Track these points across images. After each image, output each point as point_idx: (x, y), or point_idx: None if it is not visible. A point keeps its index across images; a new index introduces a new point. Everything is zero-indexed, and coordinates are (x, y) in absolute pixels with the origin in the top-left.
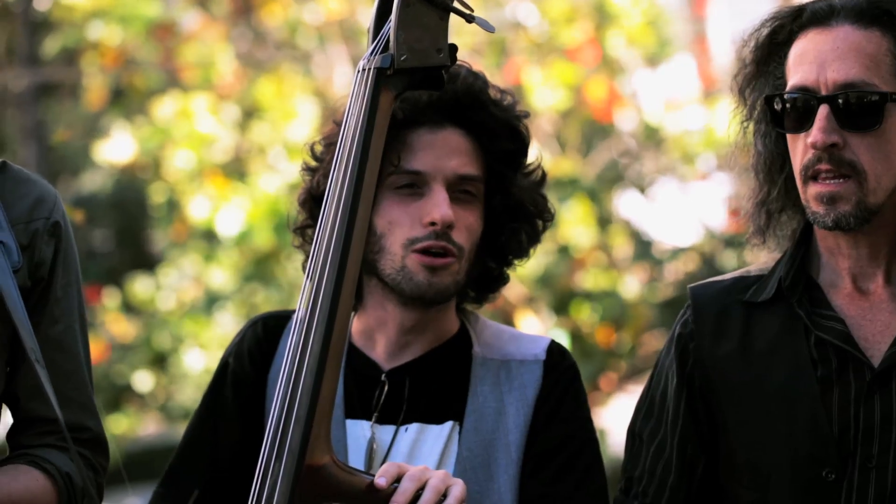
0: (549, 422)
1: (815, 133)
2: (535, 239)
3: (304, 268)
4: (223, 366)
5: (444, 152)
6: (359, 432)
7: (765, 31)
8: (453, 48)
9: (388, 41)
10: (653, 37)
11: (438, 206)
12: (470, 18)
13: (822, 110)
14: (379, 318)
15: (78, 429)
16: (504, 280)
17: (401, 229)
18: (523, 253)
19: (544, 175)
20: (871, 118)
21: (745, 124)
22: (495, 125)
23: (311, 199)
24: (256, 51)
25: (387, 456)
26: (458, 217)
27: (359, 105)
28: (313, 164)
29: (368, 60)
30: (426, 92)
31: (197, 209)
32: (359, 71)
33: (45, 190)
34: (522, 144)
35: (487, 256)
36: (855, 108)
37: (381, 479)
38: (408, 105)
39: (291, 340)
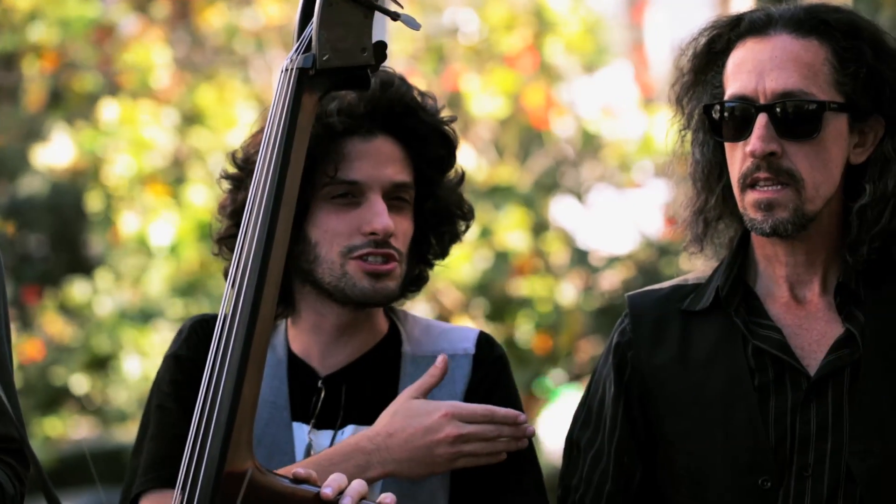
0: None
1: (754, 141)
2: (456, 239)
3: (225, 275)
4: (175, 359)
5: (378, 161)
6: (298, 435)
7: (702, 40)
8: (380, 46)
9: (311, 41)
10: (591, 44)
11: (379, 216)
12: (395, 16)
13: (761, 119)
14: (314, 323)
15: (6, 440)
16: (425, 279)
17: (338, 238)
18: (445, 254)
19: (463, 174)
20: (809, 127)
21: (683, 133)
22: (426, 131)
23: (243, 209)
24: (194, 55)
25: None
26: (394, 224)
27: (281, 106)
28: (236, 172)
29: (292, 60)
30: (362, 101)
31: (128, 223)
32: (282, 71)
33: None
34: (452, 148)
35: (413, 258)
36: (793, 116)
37: (326, 488)
38: (345, 115)
39: (212, 347)
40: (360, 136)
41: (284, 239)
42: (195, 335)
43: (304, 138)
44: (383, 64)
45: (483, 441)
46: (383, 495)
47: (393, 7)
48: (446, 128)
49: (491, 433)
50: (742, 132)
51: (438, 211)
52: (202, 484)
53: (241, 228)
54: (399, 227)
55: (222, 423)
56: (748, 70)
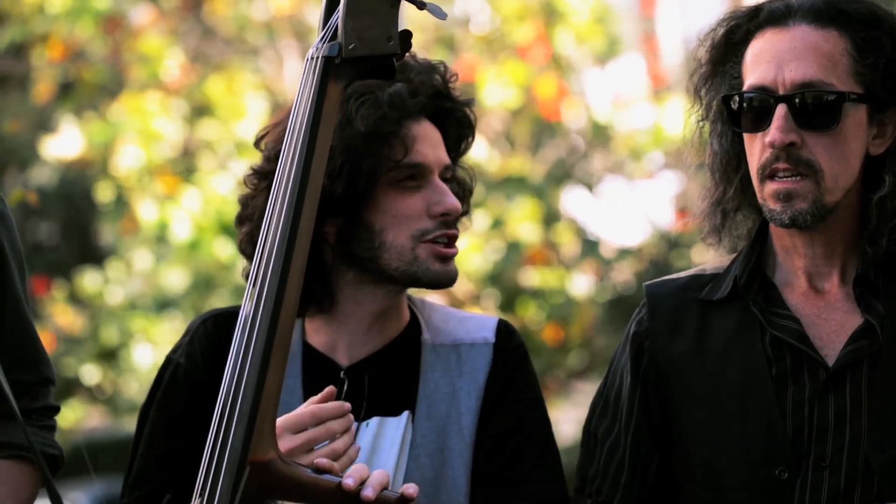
0: (500, 403)
1: (774, 132)
2: (465, 216)
3: (243, 273)
4: (173, 367)
5: (432, 143)
6: None
7: (721, 31)
8: (406, 35)
9: (336, 29)
10: (602, 35)
11: (448, 196)
12: (421, 5)
13: (780, 109)
14: (348, 312)
15: (47, 382)
16: None
17: (407, 222)
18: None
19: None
20: (828, 118)
21: (702, 124)
22: (458, 114)
23: None
24: (205, 46)
25: None
26: None
27: (306, 95)
28: (266, 165)
29: (317, 49)
30: (414, 86)
31: (146, 212)
32: (308, 60)
33: None
34: (473, 129)
35: None
36: (812, 107)
37: (348, 479)
38: (409, 97)
39: (236, 337)
40: (413, 120)
41: (309, 228)
42: (199, 338)
43: (329, 127)
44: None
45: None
46: (405, 485)
47: None
48: (469, 109)
49: (321, 435)
50: (761, 123)
51: (461, 190)
52: (225, 472)
53: (266, 216)
54: None
55: (245, 412)
56: (767, 60)
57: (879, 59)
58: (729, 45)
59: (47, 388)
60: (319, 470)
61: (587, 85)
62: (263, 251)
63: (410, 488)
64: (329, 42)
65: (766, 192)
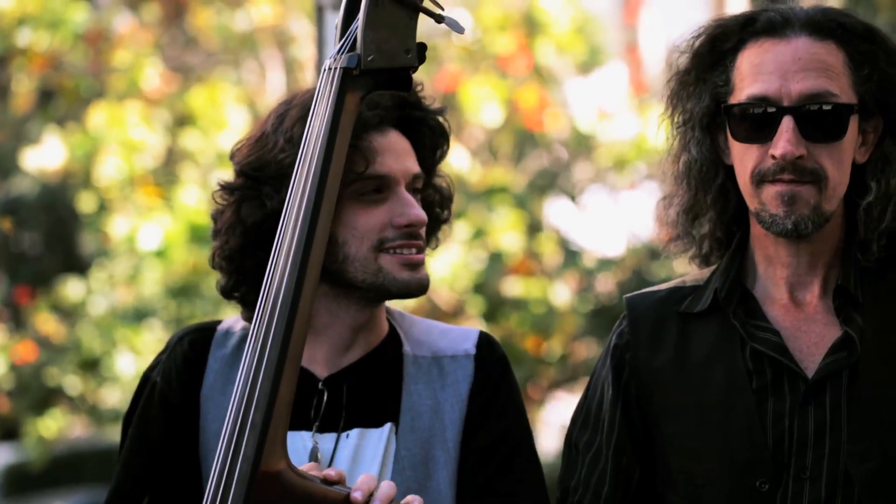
0: (484, 416)
1: (784, 145)
2: (443, 226)
3: (218, 287)
4: (151, 385)
5: (399, 153)
6: (298, 443)
7: (703, 40)
8: (422, 48)
9: (355, 40)
10: (583, 44)
11: (413, 207)
12: (440, 19)
13: (788, 122)
14: (324, 325)
15: None
16: None
17: (368, 234)
18: (437, 242)
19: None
20: (836, 130)
21: (682, 130)
22: (428, 122)
23: (271, 218)
24: (187, 57)
25: (331, 463)
26: None
27: (324, 105)
28: (243, 181)
29: (335, 59)
30: (370, 97)
31: (118, 228)
32: (325, 70)
33: None
34: (448, 138)
35: None
36: (821, 119)
37: (356, 492)
38: (369, 109)
39: (248, 345)
40: (378, 131)
41: (324, 238)
42: (175, 357)
43: (345, 138)
44: None
45: None
46: (410, 497)
47: (437, 10)
48: (442, 117)
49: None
50: (760, 133)
51: (439, 199)
52: (237, 482)
53: (280, 226)
54: None
55: (258, 422)
56: (769, 71)
57: (873, 72)
58: (717, 53)
59: None
60: (328, 482)
61: (570, 95)
62: (278, 260)
63: (416, 501)
64: (347, 53)
65: (767, 196)
